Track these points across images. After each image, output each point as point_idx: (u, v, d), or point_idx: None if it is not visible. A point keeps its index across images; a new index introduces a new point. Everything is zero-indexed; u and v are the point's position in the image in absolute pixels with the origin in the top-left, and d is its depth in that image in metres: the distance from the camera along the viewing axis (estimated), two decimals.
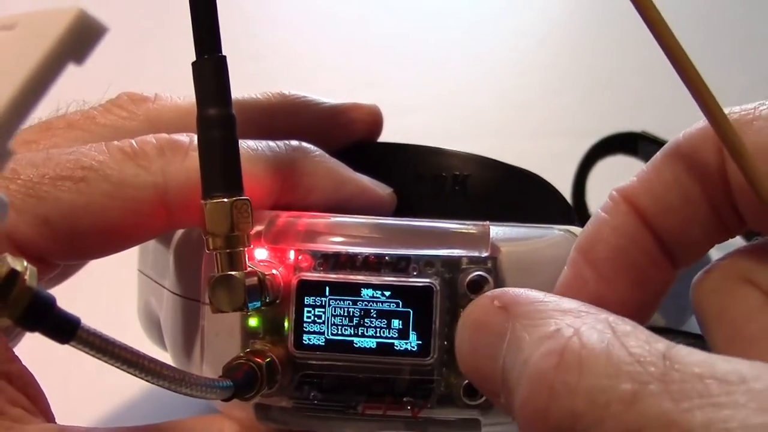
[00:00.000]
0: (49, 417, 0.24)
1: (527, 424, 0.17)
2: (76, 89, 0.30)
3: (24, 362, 0.24)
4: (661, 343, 0.16)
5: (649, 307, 0.22)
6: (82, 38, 0.12)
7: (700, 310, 0.21)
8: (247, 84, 0.31)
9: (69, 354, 0.19)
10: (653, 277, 0.22)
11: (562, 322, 0.18)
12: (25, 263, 0.17)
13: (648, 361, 0.16)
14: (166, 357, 0.29)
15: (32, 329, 0.17)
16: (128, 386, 0.38)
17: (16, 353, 0.24)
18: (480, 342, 0.20)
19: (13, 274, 0.16)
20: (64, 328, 0.18)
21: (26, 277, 0.17)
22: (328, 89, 0.34)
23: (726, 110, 0.20)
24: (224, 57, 0.23)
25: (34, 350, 0.26)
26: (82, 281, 0.32)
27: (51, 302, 0.17)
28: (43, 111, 0.29)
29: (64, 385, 0.37)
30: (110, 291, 0.41)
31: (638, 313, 0.21)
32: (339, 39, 0.68)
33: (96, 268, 0.32)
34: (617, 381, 0.16)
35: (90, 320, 0.19)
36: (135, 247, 0.33)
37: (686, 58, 0.19)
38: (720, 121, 0.19)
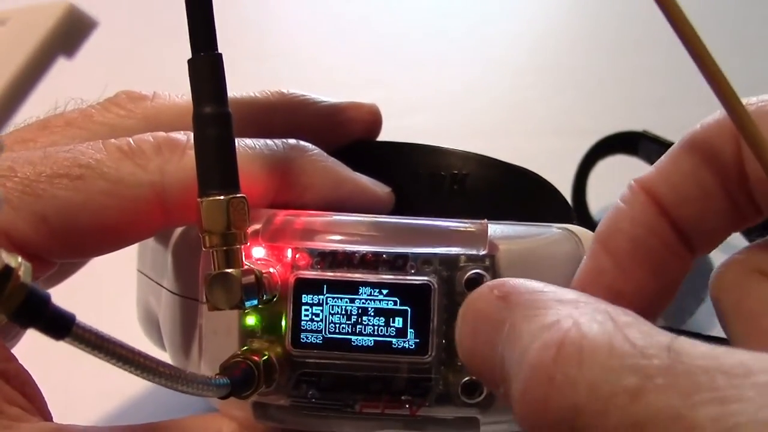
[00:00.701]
0: (46, 416, 0.24)
1: (526, 414, 0.17)
2: (74, 87, 0.30)
3: (23, 362, 0.24)
4: (663, 335, 0.16)
5: (666, 295, 0.22)
6: (72, 32, 0.12)
7: (719, 304, 0.21)
8: (249, 84, 0.31)
9: (68, 353, 0.19)
10: (671, 266, 0.22)
11: (561, 312, 0.17)
12: (20, 259, 0.17)
13: (651, 353, 0.16)
14: (165, 358, 0.29)
15: (27, 325, 0.17)
16: (128, 386, 0.38)
17: (15, 352, 0.24)
18: (479, 331, 0.20)
19: (7, 270, 0.16)
20: (60, 325, 0.18)
21: (20, 273, 0.17)
22: (328, 88, 0.34)
23: (744, 101, 0.20)
24: (220, 55, 0.23)
25: (34, 349, 0.26)
26: (82, 282, 0.32)
27: (46, 298, 0.17)
28: (41, 109, 0.29)
29: (64, 385, 0.37)
30: (110, 292, 0.41)
31: (655, 302, 0.22)
32: (339, 39, 0.68)
33: (96, 269, 0.32)
34: (621, 373, 0.15)
35: (90, 321, 0.19)
36: (135, 248, 0.33)
37: (704, 47, 0.19)
38: (738, 111, 0.19)
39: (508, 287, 0.19)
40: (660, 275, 0.22)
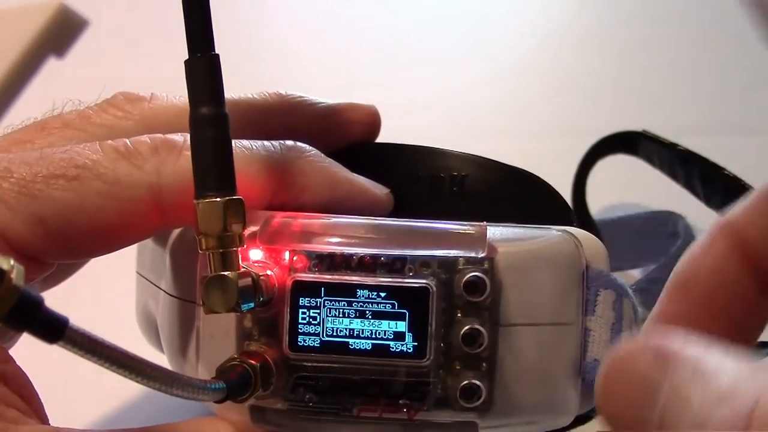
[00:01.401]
0: (42, 418, 0.24)
1: None
2: (72, 89, 0.30)
3: (21, 364, 0.24)
4: None
5: (743, 346, 0.20)
6: (63, 31, 0.12)
7: None
8: (247, 85, 0.31)
9: (66, 356, 0.19)
10: (752, 322, 0.20)
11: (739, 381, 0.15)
12: (12, 261, 0.17)
13: None
14: (164, 361, 0.29)
15: (19, 329, 0.17)
16: (126, 389, 0.38)
17: (13, 354, 0.24)
18: (628, 390, 0.17)
19: None
20: (52, 328, 0.18)
21: (13, 275, 0.16)
22: (328, 89, 0.34)
23: None
24: (217, 55, 0.23)
25: (32, 351, 0.25)
26: (82, 284, 0.32)
27: (38, 301, 0.17)
28: (38, 111, 0.29)
29: (61, 388, 0.37)
30: (110, 294, 0.41)
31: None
32: (339, 39, 0.68)
33: (96, 271, 0.32)
34: None
35: (89, 324, 0.19)
36: (134, 250, 0.33)
37: None
38: None
39: (669, 350, 0.17)
40: (740, 330, 0.20)
